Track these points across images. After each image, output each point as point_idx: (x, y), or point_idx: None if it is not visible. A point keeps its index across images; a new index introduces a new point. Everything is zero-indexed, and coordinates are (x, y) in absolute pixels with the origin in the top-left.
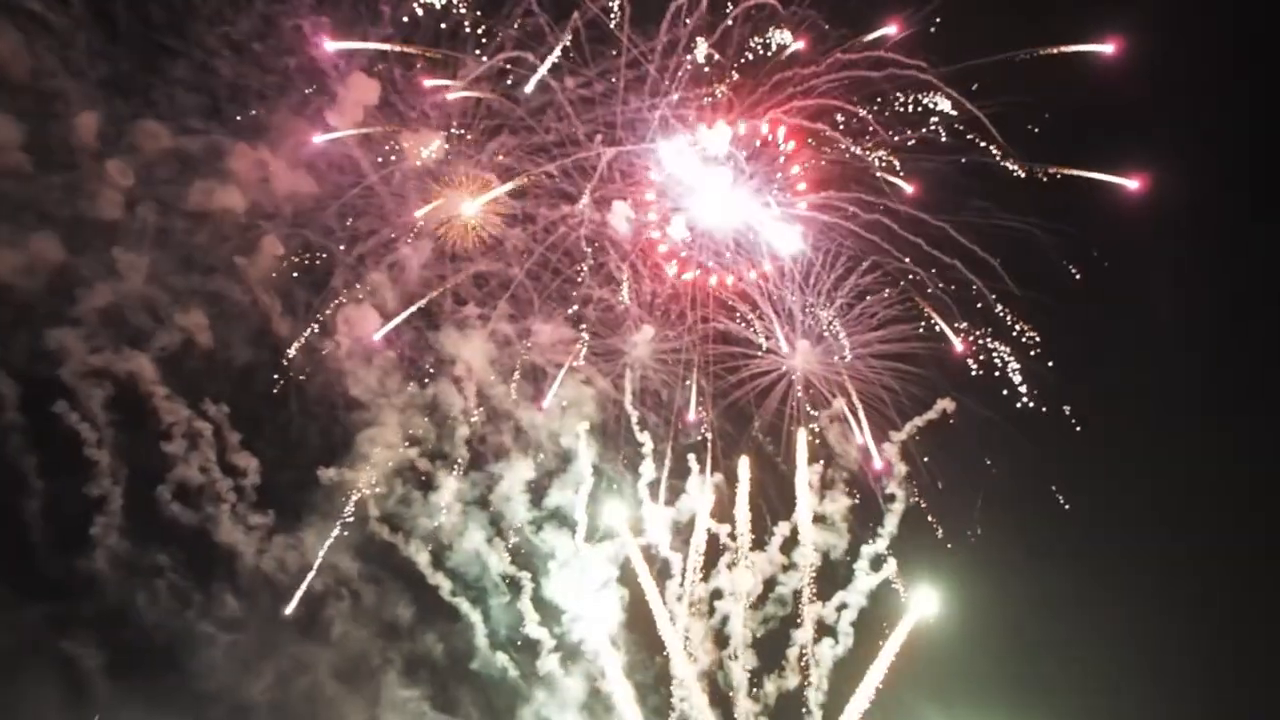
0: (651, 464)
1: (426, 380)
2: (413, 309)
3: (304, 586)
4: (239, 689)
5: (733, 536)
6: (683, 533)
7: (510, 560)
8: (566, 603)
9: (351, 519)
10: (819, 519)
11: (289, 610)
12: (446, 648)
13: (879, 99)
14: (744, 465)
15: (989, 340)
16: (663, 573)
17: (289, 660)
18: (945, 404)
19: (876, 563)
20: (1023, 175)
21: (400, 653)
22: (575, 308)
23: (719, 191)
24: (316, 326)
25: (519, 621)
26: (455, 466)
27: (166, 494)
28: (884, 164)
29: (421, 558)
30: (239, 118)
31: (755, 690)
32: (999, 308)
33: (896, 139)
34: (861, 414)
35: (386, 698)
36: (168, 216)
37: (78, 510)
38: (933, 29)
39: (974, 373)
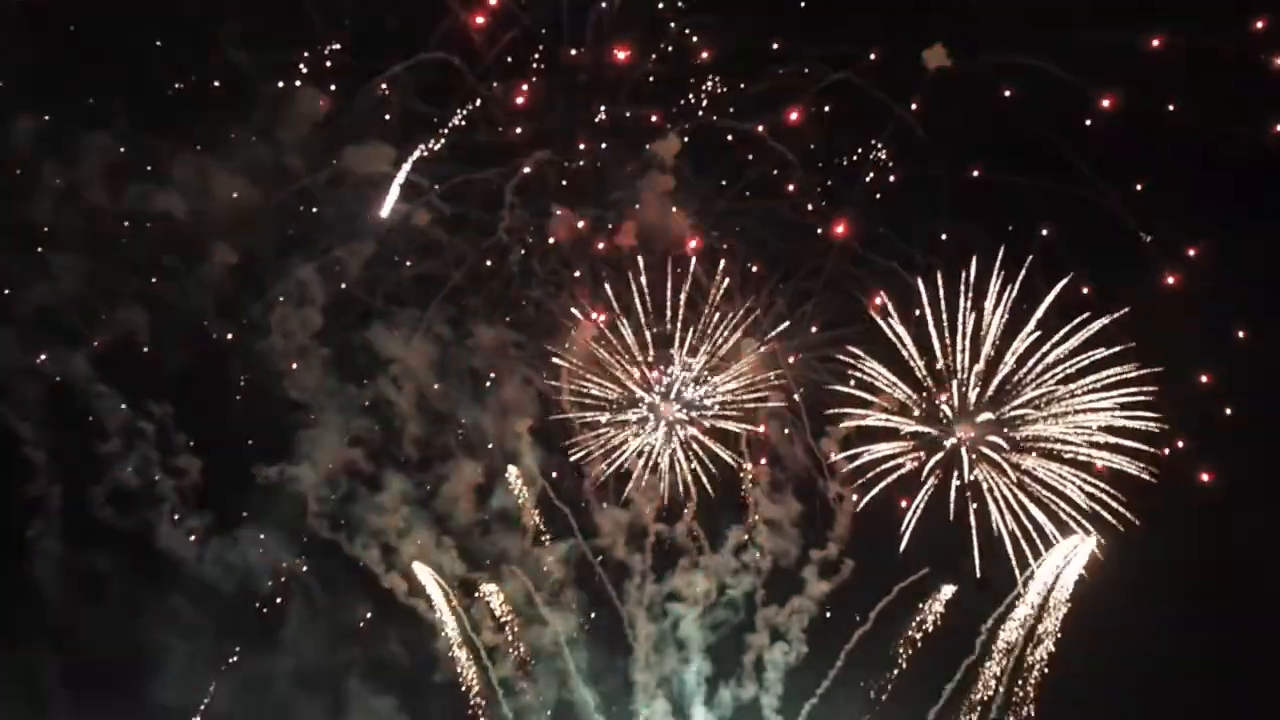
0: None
1: (366, 381)
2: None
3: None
4: (193, 698)
5: (692, 539)
6: (635, 536)
7: (461, 560)
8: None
9: (299, 521)
10: (769, 523)
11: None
12: (408, 652)
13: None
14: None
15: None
16: (617, 576)
17: (246, 667)
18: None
19: (827, 569)
20: None
21: (362, 656)
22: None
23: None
24: (256, 328)
25: (477, 625)
26: (400, 465)
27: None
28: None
29: (372, 559)
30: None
31: (712, 696)
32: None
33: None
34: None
35: (349, 703)
36: (110, 221)
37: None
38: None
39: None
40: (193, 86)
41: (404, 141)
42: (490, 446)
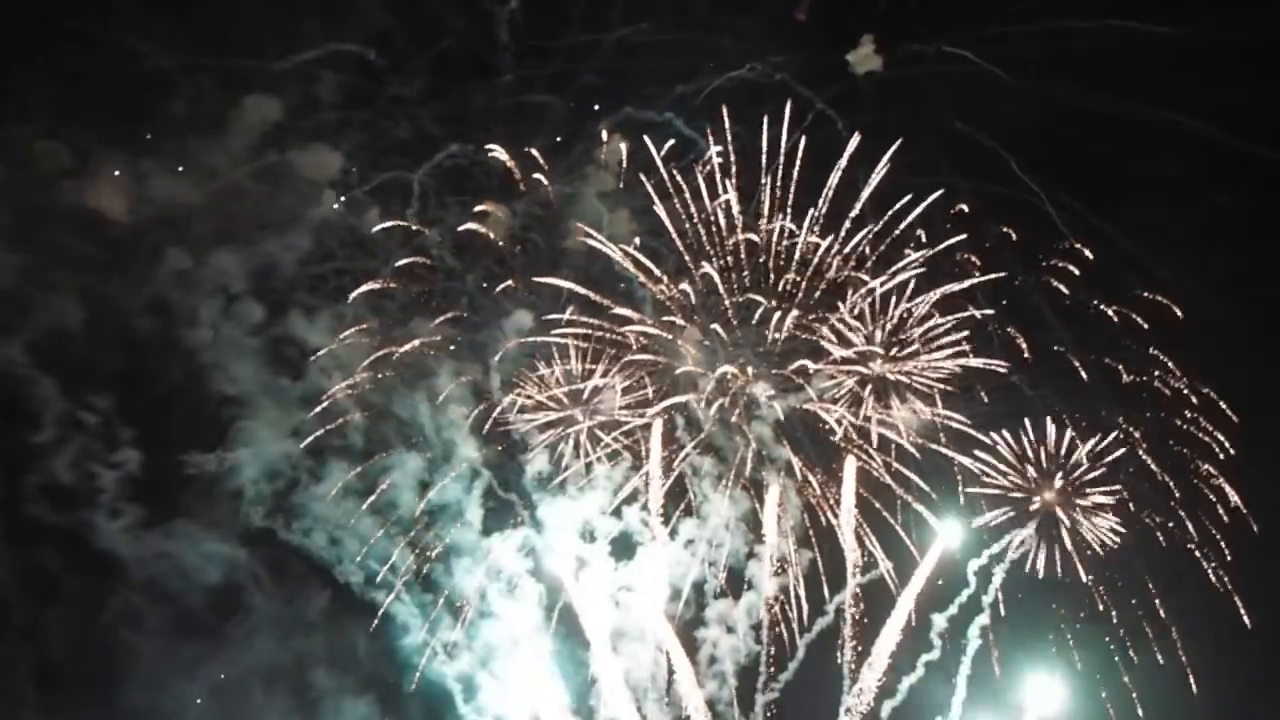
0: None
1: (302, 375)
2: None
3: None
4: (146, 700)
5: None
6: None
7: (414, 554)
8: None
9: (241, 513)
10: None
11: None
12: (368, 647)
13: None
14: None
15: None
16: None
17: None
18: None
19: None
20: None
21: (320, 651)
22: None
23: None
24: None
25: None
26: (341, 457)
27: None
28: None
29: (325, 555)
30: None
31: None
32: None
33: None
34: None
35: (308, 699)
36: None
37: None
38: None
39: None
40: (126, 86)
41: (337, 139)
42: (430, 438)
